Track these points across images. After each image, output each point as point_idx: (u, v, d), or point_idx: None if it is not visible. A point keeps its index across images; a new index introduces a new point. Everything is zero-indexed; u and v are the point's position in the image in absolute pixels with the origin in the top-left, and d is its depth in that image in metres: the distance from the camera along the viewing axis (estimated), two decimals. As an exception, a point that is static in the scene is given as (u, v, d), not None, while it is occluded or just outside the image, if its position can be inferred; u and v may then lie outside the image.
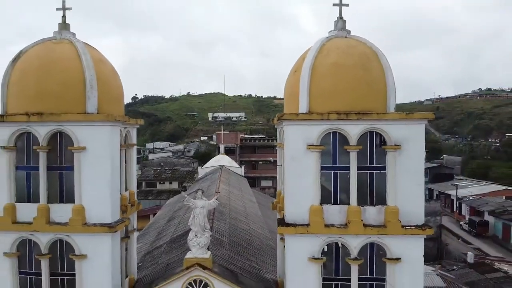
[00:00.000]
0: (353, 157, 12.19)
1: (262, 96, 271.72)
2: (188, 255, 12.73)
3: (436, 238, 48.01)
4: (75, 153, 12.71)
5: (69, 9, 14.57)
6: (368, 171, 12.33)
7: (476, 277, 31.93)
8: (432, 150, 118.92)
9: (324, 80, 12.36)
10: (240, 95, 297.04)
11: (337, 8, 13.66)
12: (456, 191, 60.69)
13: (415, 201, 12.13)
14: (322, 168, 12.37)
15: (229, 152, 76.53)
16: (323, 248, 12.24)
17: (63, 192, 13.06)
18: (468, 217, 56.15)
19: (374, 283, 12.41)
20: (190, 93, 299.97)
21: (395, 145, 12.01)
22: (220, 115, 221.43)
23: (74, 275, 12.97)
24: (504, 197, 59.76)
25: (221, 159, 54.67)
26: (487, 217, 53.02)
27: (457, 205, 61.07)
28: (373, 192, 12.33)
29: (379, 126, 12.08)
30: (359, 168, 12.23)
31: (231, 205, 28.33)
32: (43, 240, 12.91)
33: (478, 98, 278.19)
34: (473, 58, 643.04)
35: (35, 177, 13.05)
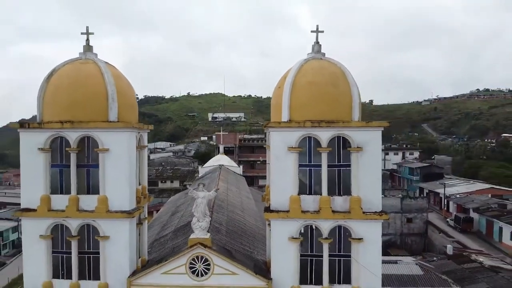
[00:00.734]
0: (324, 157, 15.18)
1: (261, 97, 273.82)
2: (192, 236, 15.68)
3: (423, 234, 51.06)
4: (100, 154, 15.67)
5: (92, 33, 17.52)
6: (336, 168, 15.33)
7: (454, 267, 34.88)
8: (429, 150, 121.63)
9: (301, 95, 15.32)
10: (240, 96, 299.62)
11: (315, 34, 16.64)
12: (444, 189, 63.76)
13: (374, 192, 15.11)
14: (300, 165, 15.36)
15: (228, 152, 79.49)
16: (300, 230, 15.23)
17: (90, 185, 16.03)
18: (455, 214, 59.19)
19: (342, 258, 15.39)
20: (190, 93, 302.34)
21: (357, 147, 14.97)
22: (220, 115, 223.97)
23: (98, 253, 15.94)
24: (490, 195, 62.77)
25: (220, 159, 57.58)
26: (472, 214, 56.00)
27: (445, 203, 64.09)
28: (340, 185, 15.33)
29: (345, 132, 15.05)
30: (329, 166, 15.22)
31: (229, 200, 31.28)
32: (74, 224, 15.86)
33: (476, 98, 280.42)
34: (473, 58, 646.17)
35: (66, 173, 16.00)
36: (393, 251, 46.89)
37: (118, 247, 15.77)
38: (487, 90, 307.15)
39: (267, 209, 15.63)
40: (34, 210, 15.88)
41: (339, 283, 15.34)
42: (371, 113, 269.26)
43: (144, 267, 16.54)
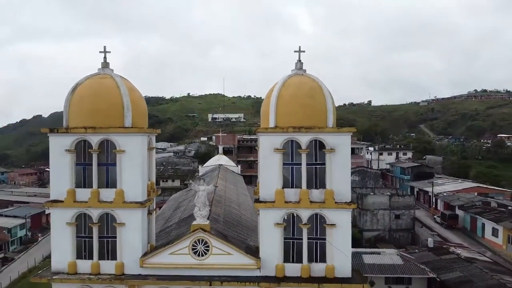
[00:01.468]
0: (303, 157, 18.31)
1: (261, 97, 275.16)
2: (194, 222, 18.82)
3: (410, 229, 54.12)
4: (117, 154, 18.78)
5: (109, 52, 20.62)
6: (314, 166, 18.47)
7: (433, 258, 37.99)
8: (425, 151, 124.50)
9: (285, 105, 18.44)
10: (240, 96, 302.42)
11: (297, 53, 19.78)
12: (432, 188, 66.93)
13: (344, 186, 18.24)
14: (284, 164, 18.50)
15: (227, 152, 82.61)
16: (284, 217, 18.35)
17: (108, 181, 19.15)
18: (441, 211, 62.33)
19: (318, 241, 18.51)
20: (190, 94, 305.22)
21: (331, 149, 18.10)
22: (220, 116, 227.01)
23: (115, 237, 19.04)
24: (476, 193, 65.89)
25: (219, 159, 60.77)
26: (458, 211, 59.11)
27: (434, 201, 67.24)
28: (317, 180, 18.47)
29: (320, 136, 18.19)
30: (307, 164, 18.36)
31: (227, 196, 34.42)
32: (95, 213, 18.97)
33: (473, 99, 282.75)
34: (472, 58, 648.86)
35: (89, 170, 19.14)
36: (382, 246, 49.89)
37: (132, 232, 18.88)
38: (485, 90, 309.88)
39: (257, 200, 18.75)
40: (61, 201, 18.98)
41: (316, 261, 18.47)
42: (370, 114, 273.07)
43: (153, 250, 19.65)
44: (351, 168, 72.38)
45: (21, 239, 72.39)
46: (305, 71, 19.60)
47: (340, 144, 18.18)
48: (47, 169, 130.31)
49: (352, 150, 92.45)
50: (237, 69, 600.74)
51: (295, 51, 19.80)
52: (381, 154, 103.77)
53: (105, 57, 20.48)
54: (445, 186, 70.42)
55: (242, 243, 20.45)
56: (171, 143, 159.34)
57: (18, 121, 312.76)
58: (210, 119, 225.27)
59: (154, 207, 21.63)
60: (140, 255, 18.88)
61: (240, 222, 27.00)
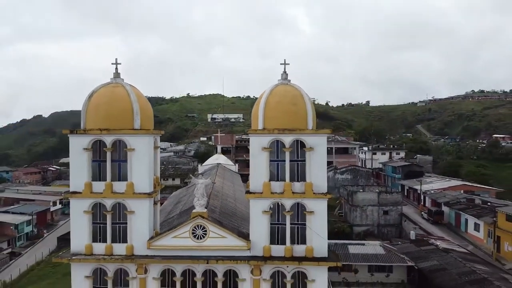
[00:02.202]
0: (287, 154, 21.50)
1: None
2: (193, 210, 21.99)
3: (397, 224, 57.35)
4: (128, 152, 21.93)
5: (120, 64, 23.76)
6: (296, 162, 21.66)
7: (413, 249, 41.26)
8: (421, 151, 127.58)
9: (271, 110, 21.61)
10: (239, 97, 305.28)
11: (283, 66, 22.96)
12: (420, 186, 70.20)
13: (321, 180, 21.41)
14: (270, 160, 21.67)
15: (225, 152, 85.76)
16: (270, 206, 21.52)
17: (120, 175, 22.28)
18: (428, 207, 65.60)
19: (299, 226, 21.68)
20: (190, 94, 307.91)
21: (310, 148, 21.27)
22: (219, 116, 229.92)
23: (126, 223, 22.16)
24: (462, 191, 69.16)
25: (218, 158, 63.95)
26: (444, 207, 62.35)
27: (422, 198, 70.50)
28: (298, 174, 21.65)
29: (301, 137, 21.35)
30: (291, 161, 21.55)
31: (224, 191, 37.56)
32: (108, 203, 22.10)
33: (470, 99, 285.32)
34: (471, 59, 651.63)
35: (103, 166, 22.26)
36: (370, 240, 52.96)
37: (141, 218, 22.02)
38: (482, 91, 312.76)
39: (248, 192, 21.95)
40: (80, 192, 22.11)
41: (297, 243, 21.65)
42: (368, 114, 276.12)
43: (158, 235, 22.82)
44: (344, 167, 76.06)
45: (27, 235, 75.44)
46: (289, 81, 22.77)
47: (318, 144, 21.35)
48: (50, 168, 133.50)
49: (346, 150, 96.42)
50: (237, 69, 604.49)
51: (281, 64, 22.97)
52: (374, 153, 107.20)
53: (116, 68, 23.59)
54: (433, 184, 73.74)
55: (235, 229, 23.61)
56: (171, 143, 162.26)
57: (18, 121, 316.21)
58: (209, 119, 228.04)
59: (159, 199, 24.80)
60: (147, 239, 22.01)
61: (235, 213, 30.15)
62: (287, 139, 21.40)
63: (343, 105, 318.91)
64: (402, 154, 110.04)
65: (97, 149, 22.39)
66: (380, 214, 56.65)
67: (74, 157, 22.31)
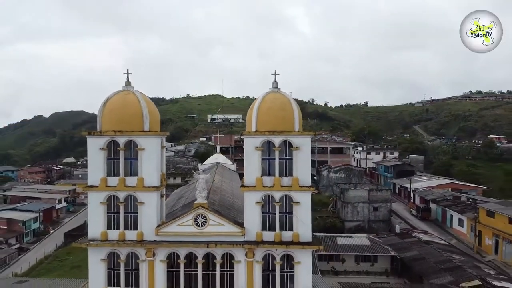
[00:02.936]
0: (277, 153, 24.83)
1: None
2: (195, 202, 25.33)
3: (387, 220, 60.70)
4: (139, 151, 25.21)
5: (131, 73, 27.06)
6: (284, 160, 24.98)
7: (397, 241, 44.61)
8: (417, 151, 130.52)
9: (263, 115, 24.93)
10: (238, 97, 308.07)
11: (274, 75, 26.30)
12: (410, 184, 73.62)
13: (306, 174, 24.75)
14: (262, 159, 25.00)
15: (225, 152, 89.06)
16: (262, 197, 24.86)
17: (132, 170, 25.54)
18: (417, 204, 69.01)
19: (287, 215, 24.99)
20: (189, 95, 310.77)
21: (296, 147, 24.61)
22: (219, 116, 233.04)
23: (136, 213, 25.39)
24: (450, 189, 72.55)
25: (217, 158, 67.26)
26: (431, 204, 65.73)
27: (412, 196, 73.88)
28: (286, 170, 24.97)
29: (289, 138, 24.69)
30: (280, 159, 24.87)
31: (222, 188, 40.88)
32: (122, 195, 25.37)
33: (468, 100, 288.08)
34: (471, 59, 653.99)
35: (117, 163, 25.51)
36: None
37: (150, 209, 25.28)
38: (479, 92, 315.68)
39: (242, 185, 25.31)
40: (96, 186, 25.33)
41: (285, 230, 24.97)
42: (366, 115, 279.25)
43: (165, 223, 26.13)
44: (338, 166, 79.43)
45: (34, 231, 78.60)
46: (279, 89, 26.10)
47: (303, 144, 24.69)
48: (54, 167, 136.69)
49: (340, 149, 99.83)
50: (237, 69, 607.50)
51: (272, 74, 26.31)
52: (369, 153, 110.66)
53: (127, 77, 26.81)
54: (422, 182, 77.17)
55: (232, 219, 26.96)
56: (171, 143, 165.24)
57: (19, 121, 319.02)
58: (209, 120, 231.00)
59: (165, 192, 28.12)
60: (155, 226, 25.27)
61: (233, 206, 33.47)
62: (277, 140, 24.73)
63: (341, 105, 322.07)
64: (396, 154, 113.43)
65: (112, 148, 25.59)
66: (370, 210, 59.95)
67: (91, 156, 25.59)
